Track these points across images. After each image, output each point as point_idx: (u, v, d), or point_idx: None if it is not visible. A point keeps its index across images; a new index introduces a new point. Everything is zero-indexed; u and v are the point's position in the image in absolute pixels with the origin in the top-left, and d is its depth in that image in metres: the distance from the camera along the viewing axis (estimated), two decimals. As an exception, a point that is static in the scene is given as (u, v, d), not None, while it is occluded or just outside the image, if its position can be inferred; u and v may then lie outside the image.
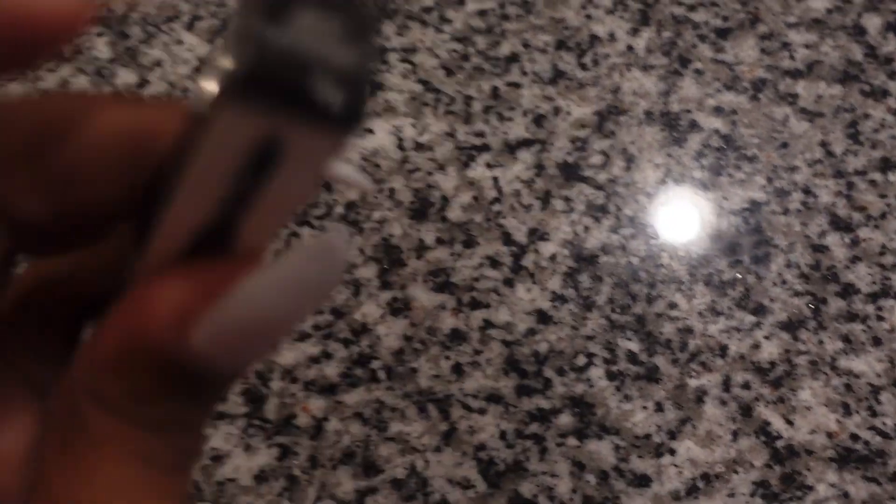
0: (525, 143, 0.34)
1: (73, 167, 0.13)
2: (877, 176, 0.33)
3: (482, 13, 0.36)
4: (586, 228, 0.33)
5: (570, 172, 0.34)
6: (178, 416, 0.14)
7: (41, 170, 0.13)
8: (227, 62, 0.11)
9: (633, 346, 0.32)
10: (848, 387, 0.31)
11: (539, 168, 0.34)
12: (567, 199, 0.34)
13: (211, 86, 0.11)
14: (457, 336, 0.32)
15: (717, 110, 0.34)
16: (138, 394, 0.13)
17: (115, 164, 0.13)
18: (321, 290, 0.13)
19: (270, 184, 0.12)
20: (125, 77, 0.36)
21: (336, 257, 0.13)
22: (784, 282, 0.32)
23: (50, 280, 0.18)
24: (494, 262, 0.33)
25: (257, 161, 0.12)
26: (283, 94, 0.11)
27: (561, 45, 0.36)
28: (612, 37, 0.36)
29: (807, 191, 0.33)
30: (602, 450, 0.30)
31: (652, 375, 0.31)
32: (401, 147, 0.35)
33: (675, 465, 0.30)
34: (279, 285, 0.13)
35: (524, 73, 0.35)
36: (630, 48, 0.35)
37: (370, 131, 0.35)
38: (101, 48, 0.37)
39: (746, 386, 0.31)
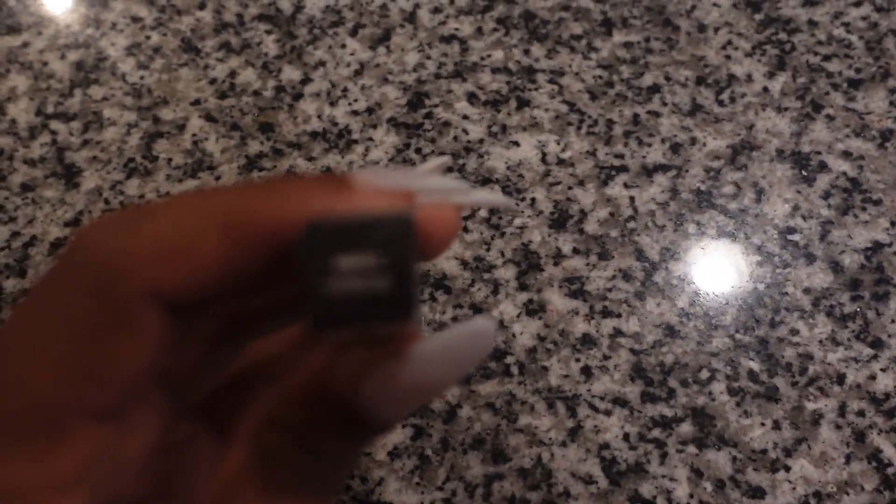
0: (661, 168, 0.37)
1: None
2: None
3: (628, 45, 0.39)
4: (716, 253, 0.35)
5: (703, 199, 0.36)
6: (335, 449, 0.17)
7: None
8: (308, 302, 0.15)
9: (755, 365, 0.33)
10: (960, 425, 0.32)
11: (674, 192, 0.36)
12: (699, 224, 0.36)
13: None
14: (587, 341, 0.34)
15: (846, 154, 0.36)
16: (311, 425, 0.17)
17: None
18: (469, 364, 0.17)
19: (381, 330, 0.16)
20: (290, 74, 0.39)
21: (485, 340, 0.17)
22: (903, 320, 0.34)
23: (260, 358, 0.22)
24: (627, 276, 0.35)
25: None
26: (345, 326, 0.15)
27: (700, 80, 0.38)
28: (749, 78, 0.38)
29: (929, 237, 0.35)
30: (720, 460, 0.32)
31: (771, 395, 0.33)
32: (544, 161, 0.37)
33: (789, 482, 0.32)
34: (435, 355, 0.16)
35: (664, 104, 0.38)
36: (766, 90, 0.38)
37: (517, 144, 0.37)
38: (270, 45, 0.40)
39: (861, 414, 0.32)
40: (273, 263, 0.16)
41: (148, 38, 0.40)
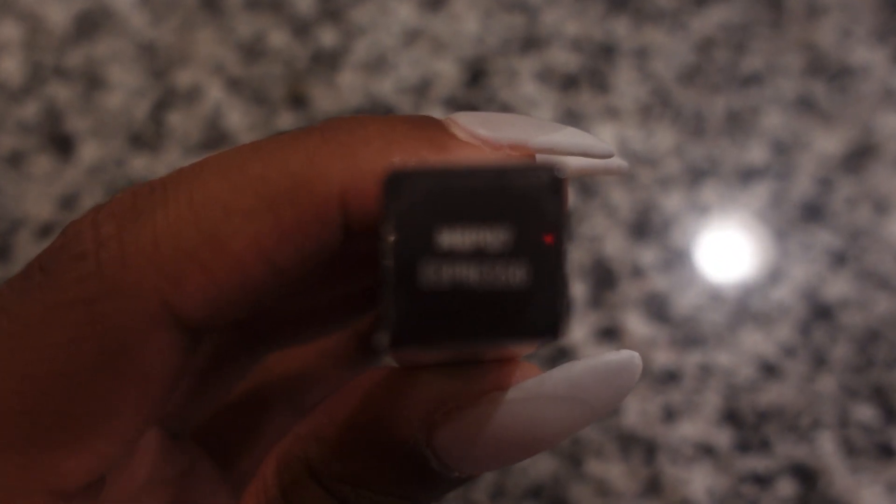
0: (760, 172, 0.31)
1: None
2: None
3: (726, 24, 0.34)
4: (823, 277, 0.30)
5: (810, 211, 0.31)
6: None
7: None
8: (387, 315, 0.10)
9: (868, 414, 0.28)
10: None
11: (774, 202, 0.31)
12: (804, 241, 0.31)
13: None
14: (669, 374, 0.29)
15: (981, 167, 0.31)
16: (361, 478, 0.13)
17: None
18: (601, 412, 0.12)
19: (488, 350, 0.12)
20: (327, 38, 0.34)
21: (627, 381, 0.12)
22: None
23: (277, 381, 0.19)
24: (717, 299, 0.30)
25: None
26: (441, 343, 0.10)
27: (810, 70, 0.33)
28: (867, 69, 0.33)
29: None
30: (825, 527, 0.27)
31: (887, 450, 0.28)
32: (624, 157, 0.32)
33: (908, 558, 0.27)
34: (550, 398, 0.12)
35: (766, 96, 0.33)
36: (887, 84, 0.32)
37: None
38: (306, 4, 0.35)
39: None
40: (335, 248, 0.12)
41: (164, -12, 0.35)
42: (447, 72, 0.33)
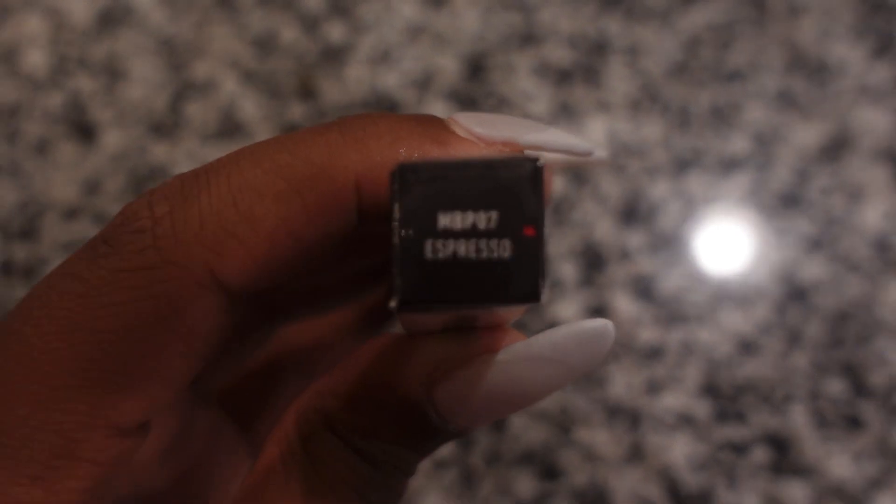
0: (743, 162, 0.33)
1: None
2: None
3: (711, 22, 0.35)
4: (799, 260, 0.32)
5: (788, 200, 0.33)
6: (395, 457, 0.15)
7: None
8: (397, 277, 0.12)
9: (838, 388, 0.30)
10: None
11: (755, 190, 0.33)
12: (782, 227, 0.32)
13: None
14: (654, 350, 0.31)
15: (949, 158, 0.33)
16: (370, 426, 0.14)
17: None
18: (578, 373, 0.14)
19: (480, 315, 0.13)
20: (336, 34, 0.36)
21: (600, 345, 0.14)
22: None
23: (292, 349, 0.20)
24: (699, 280, 0.32)
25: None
26: (442, 307, 0.12)
27: (791, 66, 0.35)
28: (844, 66, 0.34)
29: None
30: (795, 490, 0.29)
31: (855, 421, 0.30)
32: (614, 147, 0.34)
33: (872, 520, 0.29)
34: (535, 359, 0.14)
35: (748, 90, 0.34)
36: (863, 80, 0.34)
37: (582, 127, 0.34)
38: (316, 2, 0.36)
39: (955, 450, 0.29)
40: (352, 228, 0.14)
41: (181, -14, 0.37)
42: (448, 66, 0.35)
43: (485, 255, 0.12)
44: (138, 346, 0.13)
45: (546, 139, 0.15)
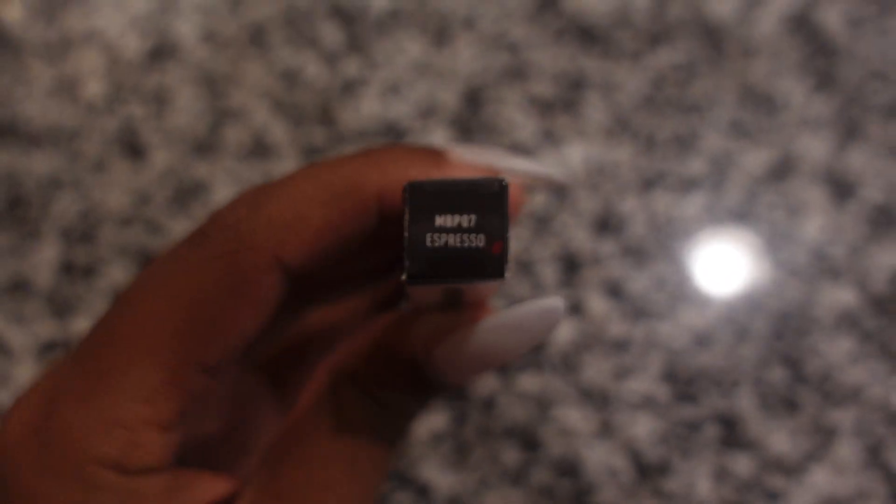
0: (701, 182, 0.39)
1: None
2: None
3: (675, 61, 0.41)
4: (748, 266, 0.37)
5: (739, 214, 0.38)
6: (402, 403, 0.19)
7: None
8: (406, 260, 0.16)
9: (779, 375, 0.35)
10: (970, 443, 0.34)
11: (711, 205, 0.38)
12: (734, 237, 0.38)
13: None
14: (621, 341, 0.36)
15: (881, 180, 0.38)
16: (383, 379, 0.19)
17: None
18: (537, 338, 0.18)
19: (465, 290, 0.18)
20: (352, 69, 0.41)
21: (553, 318, 0.18)
22: (923, 341, 0.36)
23: (315, 332, 0.25)
24: (662, 282, 0.37)
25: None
26: (438, 279, 0.16)
27: (743, 100, 0.40)
28: (790, 99, 0.40)
29: (952, 265, 0.37)
30: (742, 462, 0.34)
31: (793, 404, 0.35)
32: (589, 168, 0.39)
33: (806, 487, 0.34)
34: (505, 327, 0.18)
35: (706, 120, 0.40)
36: (806, 112, 0.39)
37: (562, 150, 0.39)
38: (335, 39, 0.42)
39: (878, 427, 0.34)
40: (373, 229, 0.19)
41: (221, 26, 0.42)
42: (448, 99, 0.41)
43: (466, 244, 0.16)
44: (223, 308, 0.17)
45: (516, 166, 0.20)
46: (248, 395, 0.23)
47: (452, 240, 0.16)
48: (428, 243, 0.16)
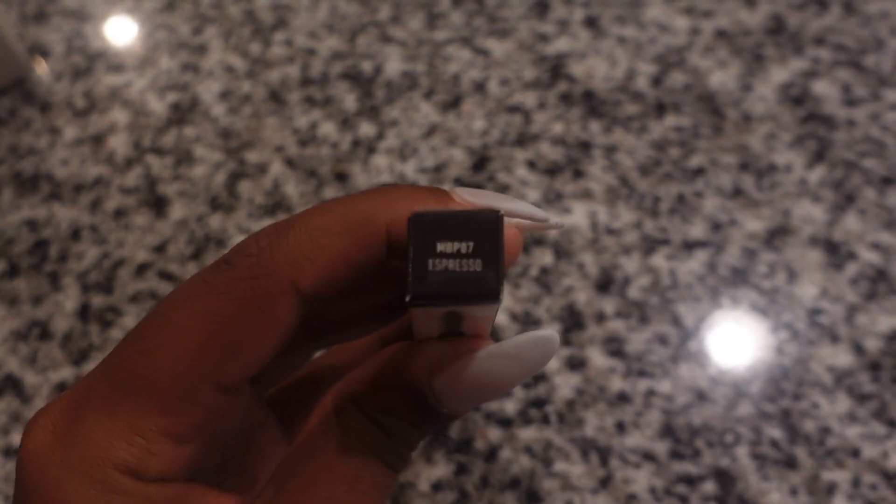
0: (701, 244, 0.40)
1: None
2: None
3: (678, 128, 0.42)
4: (747, 326, 0.38)
5: (739, 276, 0.39)
6: (404, 431, 0.20)
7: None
8: (409, 283, 0.17)
9: (777, 434, 0.36)
10: (967, 506, 0.35)
11: (711, 267, 0.39)
12: (733, 298, 0.39)
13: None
14: (623, 398, 0.37)
15: (875, 246, 0.39)
16: (386, 406, 0.19)
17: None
18: (533, 369, 0.19)
19: (466, 315, 0.18)
20: (366, 129, 0.43)
21: (549, 348, 0.19)
22: (919, 404, 0.36)
23: (326, 366, 0.26)
24: (663, 340, 0.38)
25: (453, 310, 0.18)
26: (439, 302, 0.17)
27: (743, 167, 0.41)
28: (788, 167, 0.41)
29: (947, 329, 0.38)
30: (739, 519, 0.35)
31: (790, 462, 0.35)
32: (594, 228, 0.40)
33: (803, 546, 0.34)
34: (503, 356, 0.19)
35: (708, 185, 0.41)
36: (803, 180, 0.41)
37: (569, 211, 0.41)
38: (349, 102, 0.44)
39: (874, 487, 0.35)
40: (382, 260, 0.19)
41: (239, 86, 0.44)
42: (458, 158, 0.42)
43: (465, 269, 0.17)
44: (242, 329, 0.18)
45: (514, 207, 0.21)
46: (258, 425, 0.23)
47: (452, 264, 0.17)
48: (430, 267, 0.17)
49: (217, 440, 0.20)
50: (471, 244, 0.17)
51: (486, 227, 0.17)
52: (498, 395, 0.20)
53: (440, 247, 0.17)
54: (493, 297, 0.17)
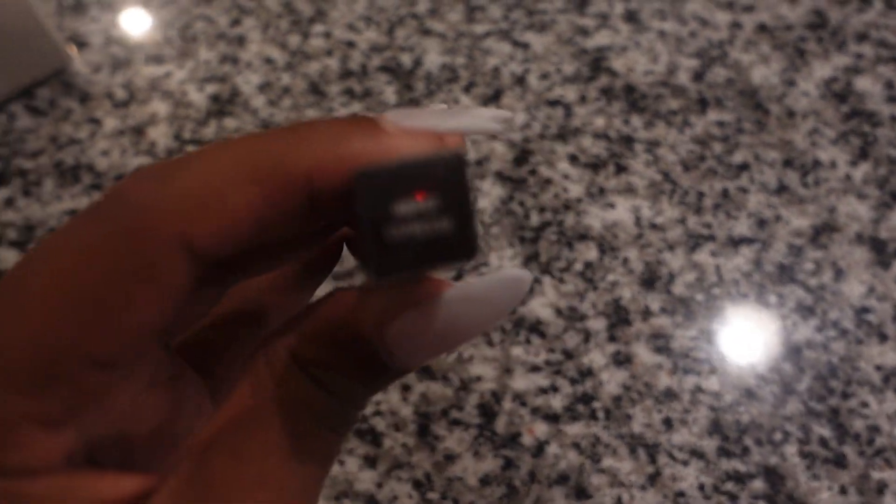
0: (747, 241, 0.39)
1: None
2: None
3: (721, 123, 0.42)
4: (794, 324, 0.38)
5: (785, 273, 0.39)
6: (350, 390, 0.17)
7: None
8: (369, 254, 0.15)
9: (825, 432, 0.36)
10: None
11: (757, 264, 0.39)
12: (779, 296, 0.38)
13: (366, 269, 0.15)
14: (670, 394, 0.37)
15: (921, 244, 0.39)
16: (330, 362, 0.16)
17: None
18: (501, 314, 0.16)
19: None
20: (407, 122, 0.43)
21: (520, 288, 0.16)
22: (968, 403, 0.36)
23: (242, 303, 0.22)
24: (709, 337, 0.38)
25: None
26: (409, 271, 0.15)
27: (787, 163, 0.41)
28: (833, 164, 0.41)
29: None
30: (789, 517, 0.34)
31: (839, 461, 0.35)
32: (637, 224, 0.40)
33: (853, 544, 0.34)
34: (471, 300, 0.16)
35: (752, 181, 0.41)
36: (848, 177, 0.41)
37: (612, 206, 0.40)
38: (389, 94, 0.43)
39: (924, 487, 0.35)
40: (305, 210, 0.16)
41: (279, 78, 0.44)
42: (499, 151, 0.42)
43: (432, 231, 0.15)
44: (119, 294, 0.15)
45: (461, 124, 0.17)
46: (171, 383, 0.20)
47: (417, 228, 0.14)
48: (392, 237, 0.14)
49: (108, 414, 0.17)
50: (434, 200, 0.14)
51: (448, 175, 0.14)
52: (460, 344, 0.17)
53: (399, 209, 0.14)
54: (470, 256, 0.15)
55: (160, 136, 0.42)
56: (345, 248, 0.23)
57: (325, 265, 0.23)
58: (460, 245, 0.14)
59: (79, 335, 0.15)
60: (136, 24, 0.46)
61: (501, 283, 0.16)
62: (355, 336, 0.16)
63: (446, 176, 0.14)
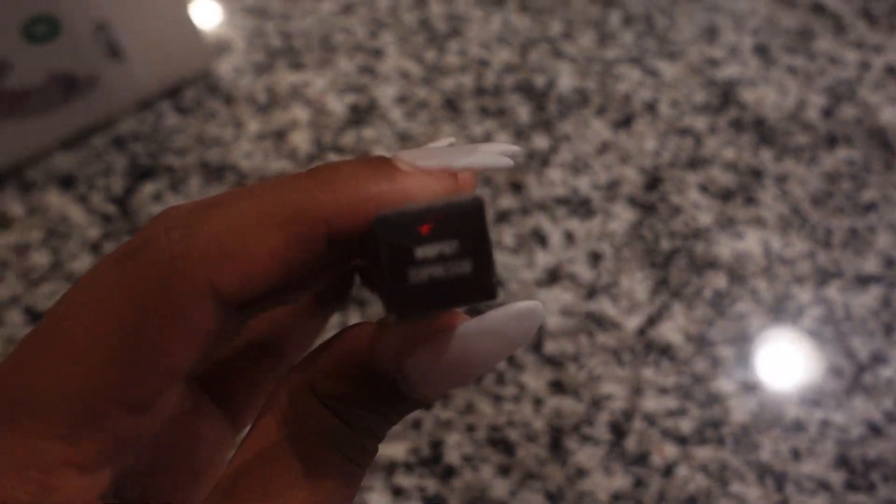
0: (875, 279, 0.40)
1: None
2: None
3: (849, 162, 0.43)
4: (921, 363, 0.38)
5: (912, 313, 0.39)
6: (369, 421, 0.17)
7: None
8: (385, 293, 0.15)
9: (952, 473, 0.36)
10: None
11: (885, 302, 0.40)
12: (907, 335, 0.39)
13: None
14: (798, 425, 0.37)
15: None
16: (350, 395, 0.17)
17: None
18: (515, 345, 0.17)
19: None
20: (539, 142, 0.44)
21: (533, 321, 0.16)
22: None
23: (258, 334, 0.23)
24: (837, 371, 0.38)
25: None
26: (428, 311, 0.15)
27: (916, 204, 0.42)
28: (961, 208, 0.41)
29: None
30: (915, 554, 0.35)
31: (965, 502, 0.36)
32: (766, 255, 0.41)
33: (979, 584, 0.35)
34: (485, 333, 0.16)
35: (880, 220, 0.41)
36: (976, 221, 0.41)
37: (741, 236, 0.41)
38: (523, 114, 0.45)
39: None
40: (326, 251, 0.17)
41: (415, 92, 0.45)
42: (630, 176, 0.43)
43: (452, 273, 0.15)
44: (151, 340, 0.16)
45: (473, 161, 0.18)
46: (190, 412, 0.21)
47: (436, 271, 0.15)
48: (411, 279, 0.15)
49: (138, 454, 0.18)
50: (454, 243, 0.15)
51: (467, 219, 0.15)
52: (477, 376, 0.17)
53: (419, 253, 0.15)
54: (489, 296, 0.15)
55: (301, 141, 0.44)
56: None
57: (338, 295, 0.24)
58: (479, 286, 0.15)
59: (115, 381, 0.15)
60: (277, 31, 0.48)
61: (515, 315, 0.16)
62: (374, 370, 0.16)
63: (465, 220, 0.15)
